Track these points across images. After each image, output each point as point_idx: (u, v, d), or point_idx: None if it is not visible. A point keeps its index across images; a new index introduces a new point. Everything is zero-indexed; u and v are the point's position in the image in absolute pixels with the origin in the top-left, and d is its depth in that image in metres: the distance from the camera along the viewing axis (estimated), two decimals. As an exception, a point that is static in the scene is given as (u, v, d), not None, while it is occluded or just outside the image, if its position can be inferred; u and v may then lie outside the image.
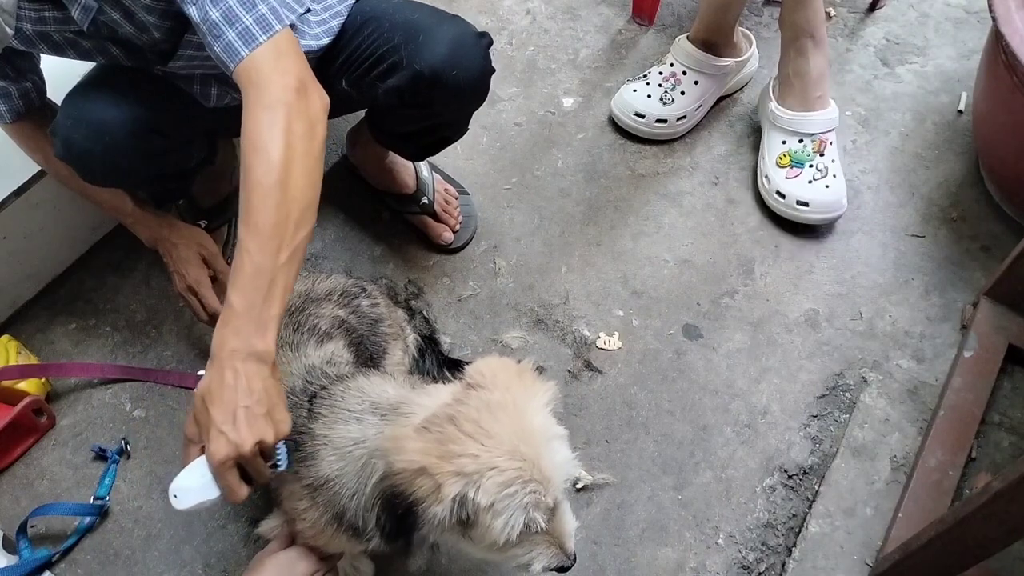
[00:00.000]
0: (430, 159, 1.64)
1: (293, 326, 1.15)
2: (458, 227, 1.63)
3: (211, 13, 0.95)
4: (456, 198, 1.65)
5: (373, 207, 1.68)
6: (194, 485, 0.91)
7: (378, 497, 0.89)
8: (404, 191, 1.61)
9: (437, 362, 1.39)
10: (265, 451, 0.89)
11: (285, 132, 0.92)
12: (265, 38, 0.95)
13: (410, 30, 1.23)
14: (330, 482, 0.97)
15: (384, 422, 0.95)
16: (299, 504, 1.02)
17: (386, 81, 1.25)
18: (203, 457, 0.90)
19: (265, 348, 0.89)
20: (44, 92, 1.30)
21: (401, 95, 1.25)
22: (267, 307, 0.89)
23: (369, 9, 1.29)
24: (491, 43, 1.30)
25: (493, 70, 1.32)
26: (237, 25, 0.95)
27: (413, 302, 1.50)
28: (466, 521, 0.87)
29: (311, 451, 0.99)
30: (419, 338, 1.38)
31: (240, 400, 0.87)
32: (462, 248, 1.63)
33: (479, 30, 1.28)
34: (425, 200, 1.59)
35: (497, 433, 0.87)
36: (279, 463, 0.94)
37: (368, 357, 1.20)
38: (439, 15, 1.27)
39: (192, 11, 0.97)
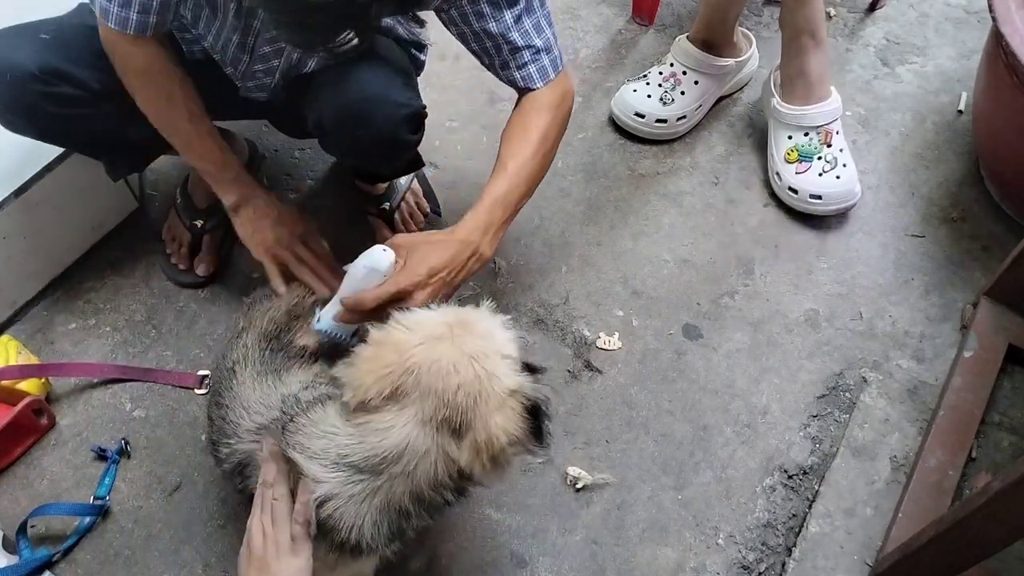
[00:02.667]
0: (424, 171, 1.65)
1: (277, 348, 1.15)
2: None
3: (536, 40, 1.24)
4: (425, 216, 1.64)
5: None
6: (386, 266, 1.14)
7: (535, 443, 0.95)
8: (371, 189, 1.61)
9: None
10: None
11: (544, 133, 1.25)
12: (554, 75, 1.28)
13: (339, 80, 1.27)
14: (325, 521, 0.97)
15: (376, 476, 0.95)
16: (298, 543, 1.00)
17: (310, 117, 1.33)
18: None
19: (490, 255, 1.21)
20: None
21: (314, 132, 1.35)
22: (501, 230, 1.22)
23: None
24: (414, 114, 1.29)
25: (406, 142, 1.31)
26: (551, 53, 1.26)
27: None
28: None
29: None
30: None
31: (446, 279, 1.15)
32: None
33: (411, 105, 1.27)
34: (386, 205, 1.59)
35: (452, 347, 0.94)
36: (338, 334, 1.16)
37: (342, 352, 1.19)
38: (375, 78, 1.27)
39: (515, 35, 1.22)
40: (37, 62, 1.20)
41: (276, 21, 1.02)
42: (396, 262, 1.13)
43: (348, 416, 0.97)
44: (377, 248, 1.14)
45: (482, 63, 1.29)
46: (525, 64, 1.25)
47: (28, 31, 1.24)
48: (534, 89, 1.27)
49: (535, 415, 0.94)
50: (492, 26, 1.21)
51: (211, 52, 1.31)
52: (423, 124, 1.34)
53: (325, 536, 0.98)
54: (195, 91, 1.28)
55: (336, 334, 1.16)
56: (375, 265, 1.13)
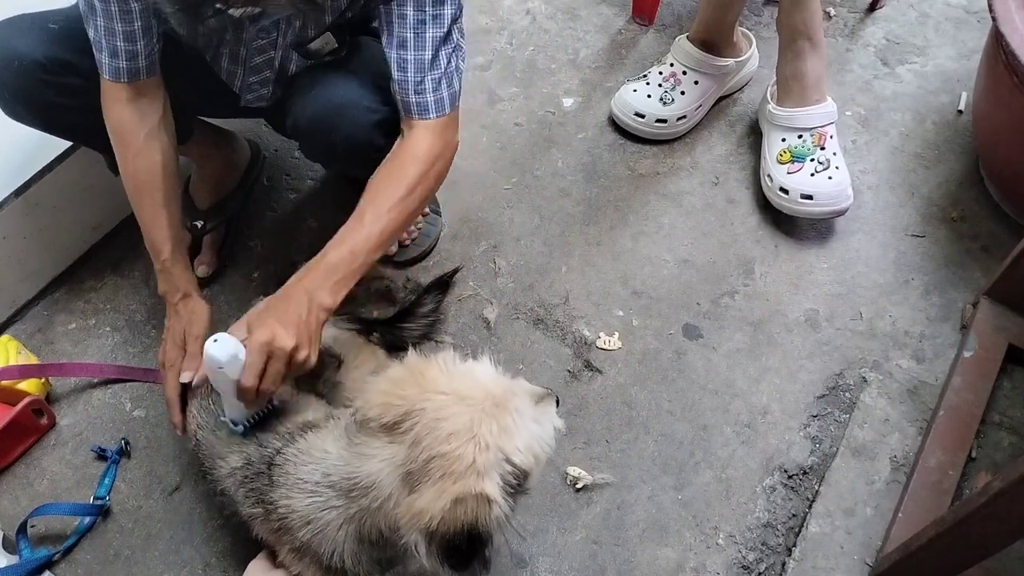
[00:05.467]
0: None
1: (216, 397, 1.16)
2: (408, 242, 1.61)
3: (443, 66, 1.17)
4: (424, 216, 1.63)
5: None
6: (230, 350, 1.00)
7: (442, 557, 0.87)
8: None
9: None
10: (291, 366, 1.04)
11: (410, 187, 1.17)
12: (449, 110, 1.20)
13: (311, 86, 1.27)
14: (310, 544, 0.99)
15: (350, 501, 0.94)
16: (293, 567, 1.04)
17: (285, 121, 1.34)
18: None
19: (331, 304, 1.10)
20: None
21: (292, 137, 1.37)
22: (346, 280, 1.12)
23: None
24: (386, 120, 1.26)
25: (380, 147, 1.28)
26: (452, 89, 1.19)
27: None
28: (521, 485, 0.90)
29: (281, 521, 1.00)
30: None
31: (300, 318, 1.05)
32: (409, 262, 1.61)
33: (382, 110, 1.26)
34: None
35: (469, 418, 0.88)
36: (242, 426, 1.08)
37: (311, 373, 1.19)
38: (346, 84, 1.26)
39: (428, 55, 1.16)
40: (44, 52, 1.20)
41: None
42: (241, 341, 1.03)
43: (354, 428, 0.96)
44: (221, 338, 1.01)
45: (389, 73, 1.21)
46: (423, 91, 1.18)
47: (36, 21, 1.24)
48: (425, 120, 1.19)
49: (474, 543, 0.86)
50: (409, 36, 1.15)
51: (213, 65, 1.32)
52: (399, 129, 1.33)
53: (315, 559, 1.00)
54: (160, 160, 1.27)
55: (249, 419, 1.10)
56: (228, 350, 1.00)
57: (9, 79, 1.22)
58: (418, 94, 1.18)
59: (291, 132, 1.35)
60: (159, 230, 1.28)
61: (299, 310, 1.06)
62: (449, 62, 1.19)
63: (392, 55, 1.17)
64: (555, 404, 1.00)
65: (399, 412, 0.90)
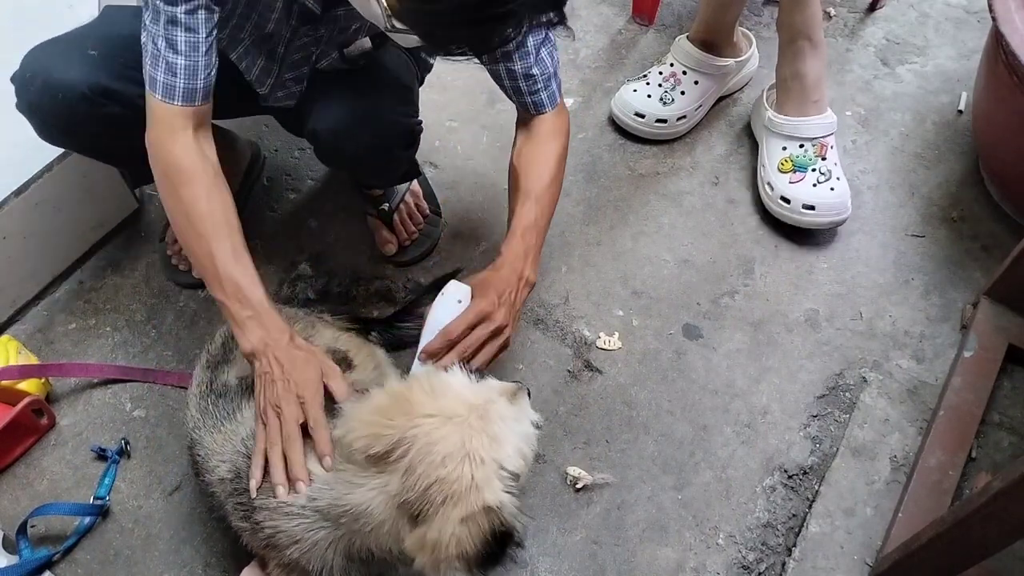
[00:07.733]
0: (425, 171, 1.66)
1: (216, 398, 1.14)
2: (408, 243, 1.61)
3: (549, 67, 1.27)
4: (425, 217, 1.64)
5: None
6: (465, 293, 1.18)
7: (483, 570, 0.89)
8: (370, 191, 1.61)
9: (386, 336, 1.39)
10: (495, 341, 1.17)
11: (560, 159, 1.31)
12: (559, 98, 1.33)
13: (334, 94, 1.28)
14: (298, 561, 0.98)
15: (338, 526, 0.94)
16: None
17: (305, 126, 1.34)
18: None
19: (535, 280, 1.25)
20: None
21: (309, 140, 1.38)
22: (539, 253, 1.27)
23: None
24: (407, 131, 1.30)
25: (398, 159, 1.32)
26: (557, 79, 1.30)
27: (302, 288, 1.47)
28: (514, 487, 0.91)
29: (269, 539, 1.00)
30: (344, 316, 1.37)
31: (511, 296, 1.19)
32: (408, 263, 1.61)
33: (403, 122, 1.29)
34: (384, 206, 1.59)
35: (460, 436, 0.88)
36: None
37: None
38: (370, 93, 1.28)
39: (532, 61, 1.25)
40: (87, 82, 1.19)
41: (442, 25, 0.93)
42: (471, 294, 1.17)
43: (337, 456, 0.95)
44: (453, 282, 1.19)
45: (497, 83, 1.30)
46: (538, 91, 1.28)
47: (75, 46, 1.22)
48: (543, 114, 1.31)
49: (502, 540, 0.88)
50: (515, 54, 1.23)
51: (237, 64, 1.30)
52: (417, 139, 1.34)
53: (304, 574, 0.99)
54: (232, 202, 1.18)
55: None
56: (458, 294, 1.17)
57: (49, 107, 1.20)
58: (533, 94, 1.28)
59: (309, 138, 1.34)
60: (247, 273, 1.12)
61: (509, 290, 1.19)
62: (552, 57, 1.27)
63: (499, 69, 1.25)
64: (527, 396, 1.01)
65: (389, 442, 0.88)
